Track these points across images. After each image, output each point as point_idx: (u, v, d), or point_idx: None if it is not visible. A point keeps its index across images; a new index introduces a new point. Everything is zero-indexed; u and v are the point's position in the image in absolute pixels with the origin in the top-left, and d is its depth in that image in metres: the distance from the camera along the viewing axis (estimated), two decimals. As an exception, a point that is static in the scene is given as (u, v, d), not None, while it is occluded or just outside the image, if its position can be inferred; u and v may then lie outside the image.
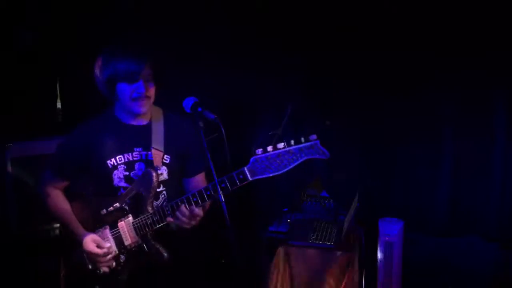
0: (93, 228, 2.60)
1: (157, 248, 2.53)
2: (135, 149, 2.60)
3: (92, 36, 3.81)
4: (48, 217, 3.26)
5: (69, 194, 2.69)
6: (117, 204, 2.55)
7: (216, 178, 2.34)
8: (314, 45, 3.85)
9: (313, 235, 3.30)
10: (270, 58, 3.90)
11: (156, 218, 2.49)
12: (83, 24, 3.86)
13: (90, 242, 2.53)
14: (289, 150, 2.23)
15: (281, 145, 2.24)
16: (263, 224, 3.62)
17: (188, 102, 2.56)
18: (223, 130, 2.37)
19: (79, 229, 2.58)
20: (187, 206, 2.41)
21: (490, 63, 3.57)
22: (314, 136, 2.25)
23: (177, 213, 2.42)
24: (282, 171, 2.26)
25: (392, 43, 3.72)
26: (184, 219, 2.42)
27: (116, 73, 2.47)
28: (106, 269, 2.56)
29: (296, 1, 3.82)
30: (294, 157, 2.23)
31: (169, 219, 2.46)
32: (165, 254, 2.53)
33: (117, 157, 2.58)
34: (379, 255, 3.46)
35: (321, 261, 3.16)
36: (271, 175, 2.27)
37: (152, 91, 2.56)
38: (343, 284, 3.12)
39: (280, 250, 3.20)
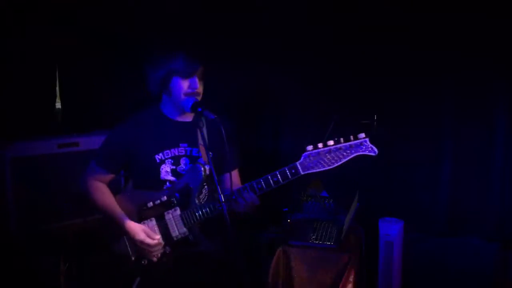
0: (138, 220, 2.65)
1: (202, 239, 2.62)
2: (180, 144, 2.71)
3: (95, 35, 3.82)
4: (88, 210, 3.35)
5: (113, 187, 2.76)
6: (165, 197, 2.62)
7: (216, 178, 2.38)
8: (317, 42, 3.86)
9: (313, 235, 3.30)
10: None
11: (205, 210, 2.58)
12: (87, 24, 3.87)
13: (141, 232, 2.57)
14: (339, 147, 2.41)
15: (331, 142, 2.41)
16: (263, 224, 3.62)
17: (188, 102, 2.58)
18: (223, 130, 2.40)
19: (126, 220, 2.61)
20: (250, 193, 2.52)
21: (490, 65, 3.57)
22: (363, 134, 2.42)
23: (240, 200, 2.51)
24: (332, 166, 2.42)
25: (392, 43, 3.72)
26: (245, 205, 2.52)
27: (175, 68, 2.57)
28: (154, 259, 2.61)
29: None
30: (345, 153, 2.40)
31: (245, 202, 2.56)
32: (210, 245, 2.63)
33: (165, 152, 2.67)
34: (379, 255, 3.46)
35: (321, 261, 3.16)
36: (322, 169, 2.44)
37: (201, 89, 2.67)
38: (343, 284, 3.12)
39: (280, 250, 3.20)
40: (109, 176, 2.74)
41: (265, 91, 4.05)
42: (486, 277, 3.65)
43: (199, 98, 2.64)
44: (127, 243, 2.63)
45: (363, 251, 3.36)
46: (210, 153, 2.64)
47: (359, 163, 3.90)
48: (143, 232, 2.59)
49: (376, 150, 2.41)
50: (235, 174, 2.87)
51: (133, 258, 2.63)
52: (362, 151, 2.42)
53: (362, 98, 3.86)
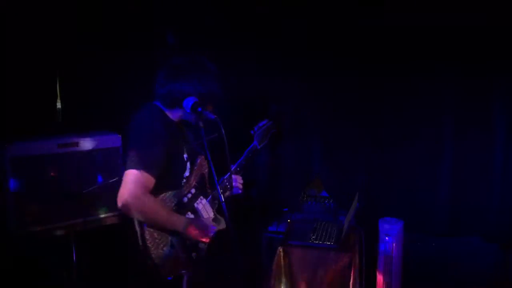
0: None
1: (222, 219, 2.75)
2: (192, 142, 2.81)
3: (96, 35, 3.82)
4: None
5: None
6: (193, 190, 2.67)
7: (215, 179, 2.41)
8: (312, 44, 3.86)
9: (313, 235, 3.30)
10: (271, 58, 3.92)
11: (219, 192, 2.59)
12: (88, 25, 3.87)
13: (198, 225, 2.61)
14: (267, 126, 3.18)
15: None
16: (263, 224, 3.63)
17: (188, 102, 2.58)
18: (223, 130, 2.40)
19: (180, 218, 2.57)
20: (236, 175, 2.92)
21: (490, 64, 3.57)
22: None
23: (235, 182, 2.86)
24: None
25: (392, 43, 3.72)
26: (239, 184, 2.91)
27: (211, 95, 2.62)
28: (204, 248, 2.65)
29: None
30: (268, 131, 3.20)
31: (237, 184, 2.89)
32: (228, 222, 2.61)
33: (185, 148, 2.70)
34: (379, 255, 3.46)
35: (321, 261, 3.16)
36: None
37: None
38: (343, 284, 3.12)
39: (280, 250, 3.20)
40: (154, 182, 2.47)
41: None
42: (486, 277, 3.65)
43: None
44: (175, 244, 2.55)
45: (363, 251, 3.36)
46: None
47: (359, 163, 3.95)
48: (201, 222, 2.64)
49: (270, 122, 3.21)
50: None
51: (184, 255, 2.60)
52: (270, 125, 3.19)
53: (362, 98, 3.86)
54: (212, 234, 2.66)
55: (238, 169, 2.99)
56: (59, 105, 3.97)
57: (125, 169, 2.43)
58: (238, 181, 2.93)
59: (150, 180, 2.43)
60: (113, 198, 3.65)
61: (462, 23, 3.54)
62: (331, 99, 3.95)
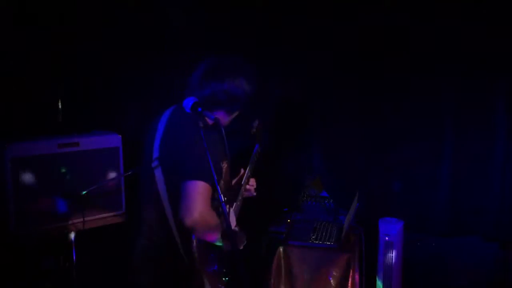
0: None
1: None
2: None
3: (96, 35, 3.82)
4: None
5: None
6: (223, 197, 2.43)
7: (216, 180, 2.34)
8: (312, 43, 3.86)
9: (313, 235, 3.30)
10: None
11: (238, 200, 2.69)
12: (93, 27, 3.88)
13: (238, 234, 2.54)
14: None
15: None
16: (263, 224, 3.63)
17: (188, 102, 2.56)
18: (223, 130, 2.38)
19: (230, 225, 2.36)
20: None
21: (490, 63, 3.57)
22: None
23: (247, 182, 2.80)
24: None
25: (392, 43, 3.72)
26: (251, 187, 2.84)
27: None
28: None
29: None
30: None
31: (249, 187, 2.83)
32: (228, 223, 2.59)
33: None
34: (379, 255, 3.46)
35: (321, 261, 3.17)
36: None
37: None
38: (343, 284, 3.12)
39: (280, 250, 3.20)
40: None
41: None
42: (486, 277, 3.65)
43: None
44: (217, 258, 2.41)
45: (363, 251, 3.36)
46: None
47: (359, 163, 3.95)
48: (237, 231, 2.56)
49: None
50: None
51: (221, 271, 2.44)
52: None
53: (363, 98, 3.86)
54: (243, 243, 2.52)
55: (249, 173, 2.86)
56: (59, 105, 3.98)
57: (183, 180, 2.24)
58: (251, 184, 2.85)
59: (210, 190, 2.27)
60: (114, 198, 3.67)
61: (462, 23, 3.54)
62: (331, 98, 3.95)
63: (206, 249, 2.33)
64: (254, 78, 2.53)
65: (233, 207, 2.66)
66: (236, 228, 2.59)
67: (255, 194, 2.87)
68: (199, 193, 2.21)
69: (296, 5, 3.84)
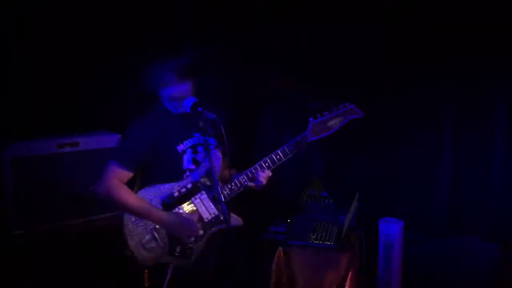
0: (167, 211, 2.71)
1: (231, 216, 2.67)
2: (194, 134, 2.81)
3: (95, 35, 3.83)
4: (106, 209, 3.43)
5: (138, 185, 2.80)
6: (190, 184, 2.70)
7: (215, 178, 2.38)
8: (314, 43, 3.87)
9: (313, 235, 3.30)
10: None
11: (233, 187, 2.73)
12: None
13: (182, 220, 2.66)
14: (337, 114, 2.83)
15: (326, 112, 2.83)
16: (263, 224, 3.62)
17: (188, 102, 2.58)
18: (223, 130, 2.40)
19: (160, 212, 2.66)
20: (260, 170, 2.78)
21: (490, 65, 3.58)
22: (348, 103, 2.84)
23: (257, 175, 2.76)
24: (333, 130, 2.83)
25: (392, 42, 3.72)
26: (262, 179, 2.77)
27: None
28: (190, 244, 2.68)
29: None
30: (342, 118, 2.84)
31: (251, 184, 2.78)
32: (240, 219, 2.76)
33: (184, 142, 2.76)
34: (379, 255, 3.46)
35: (321, 261, 3.16)
36: (326, 134, 2.83)
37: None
38: (343, 284, 3.12)
39: (280, 250, 3.20)
40: (129, 175, 2.74)
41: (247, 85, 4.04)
42: (486, 277, 3.65)
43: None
44: (157, 236, 2.66)
45: (363, 251, 3.36)
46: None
47: (359, 163, 3.95)
48: (183, 220, 2.66)
49: (362, 112, 2.84)
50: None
51: (166, 250, 2.67)
52: (352, 116, 2.85)
53: (363, 98, 3.86)
54: (196, 231, 2.68)
55: (266, 164, 2.82)
56: (59, 104, 3.97)
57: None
58: (263, 175, 2.80)
59: (126, 172, 2.67)
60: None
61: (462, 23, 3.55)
62: (331, 99, 3.94)
63: (143, 227, 2.66)
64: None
65: (211, 193, 2.73)
66: (210, 216, 2.72)
67: (262, 185, 2.83)
68: (107, 173, 2.66)
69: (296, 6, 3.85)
